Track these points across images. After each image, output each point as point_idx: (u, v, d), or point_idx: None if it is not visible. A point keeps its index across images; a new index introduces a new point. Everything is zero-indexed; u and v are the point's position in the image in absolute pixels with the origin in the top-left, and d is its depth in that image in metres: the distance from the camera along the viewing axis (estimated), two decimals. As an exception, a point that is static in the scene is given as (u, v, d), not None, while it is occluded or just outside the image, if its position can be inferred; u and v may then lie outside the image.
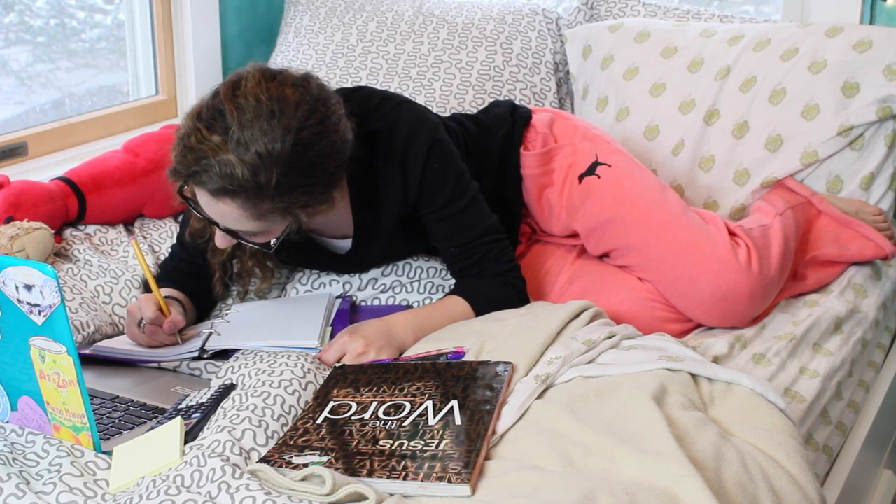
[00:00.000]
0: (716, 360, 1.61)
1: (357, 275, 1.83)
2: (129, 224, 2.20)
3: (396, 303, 1.81)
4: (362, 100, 1.72)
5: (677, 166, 2.19)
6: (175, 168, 1.52)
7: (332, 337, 1.65)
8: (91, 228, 2.10)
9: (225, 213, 1.53)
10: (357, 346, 1.57)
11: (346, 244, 1.79)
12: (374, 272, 1.83)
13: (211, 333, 1.68)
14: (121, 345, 1.69)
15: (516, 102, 2.07)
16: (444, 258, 1.79)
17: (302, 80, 1.55)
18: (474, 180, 1.78)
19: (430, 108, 2.44)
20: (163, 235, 2.12)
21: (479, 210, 1.75)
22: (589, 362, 1.45)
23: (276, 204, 1.51)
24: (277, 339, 1.63)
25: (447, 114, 2.26)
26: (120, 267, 1.93)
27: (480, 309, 1.69)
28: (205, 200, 1.53)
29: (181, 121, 1.56)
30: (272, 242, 1.61)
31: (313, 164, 1.52)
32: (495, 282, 1.73)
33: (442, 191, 1.70)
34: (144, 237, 2.12)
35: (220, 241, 1.60)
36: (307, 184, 1.53)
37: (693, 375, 1.42)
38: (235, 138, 1.46)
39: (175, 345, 1.67)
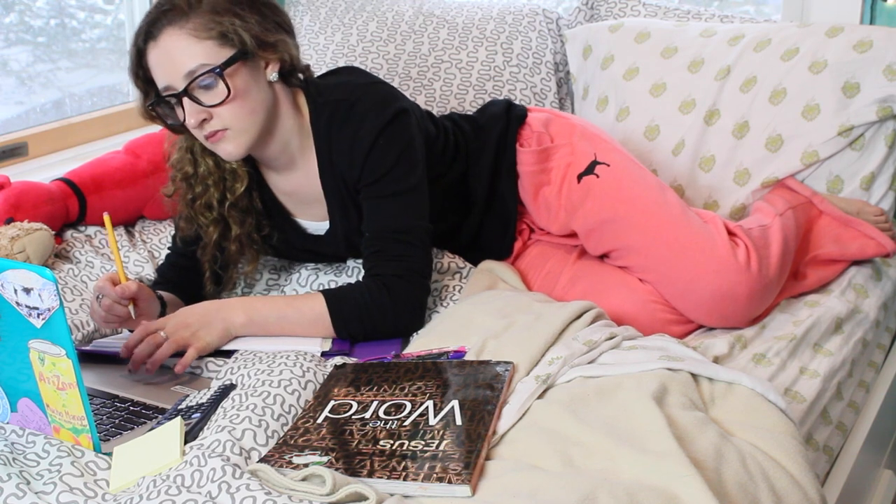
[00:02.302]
0: (716, 360, 1.61)
1: (356, 276, 1.83)
2: (129, 225, 2.20)
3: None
4: (337, 71, 1.81)
5: (678, 166, 2.19)
6: (131, 59, 1.65)
7: (334, 344, 1.65)
8: (91, 230, 2.11)
9: (173, 49, 1.60)
10: (166, 324, 1.60)
11: (325, 226, 1.82)
12: None
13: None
14: (120, 341, 1.69)
15: (514, 102, 2.07)
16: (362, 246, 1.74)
17: None
18: (473, 182, 1.79)
19: (430, 108, 2.46)
20: (163, 241, 2.12)
21: (410, 205, 1.71)
22: (590, 362, 1.45)
23: (209, 16, 1.60)
24: (280, 344, 1.63)
25: (447, 113, 2.27)
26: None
27: (338, 311, 1.65)
28: (157, 58, 1.61)
29: None
30: (227, 82, 1.60)
31: None
32: (371, 284, 1.67)
33: (381, 165, 1.69)
34: (144, 241, 2.12)
35: (190, 115, 1.62)
36: (235, 2, 1.63)
37: (694, 375, 1.42)
38: None
39: (128, 318, 1.64)
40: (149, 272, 1.96)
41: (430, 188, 1.78)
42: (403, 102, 1.74)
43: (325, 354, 1.62)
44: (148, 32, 1.62)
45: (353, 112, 1.70)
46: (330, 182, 1.75)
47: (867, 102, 2.05)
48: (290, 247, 1.87)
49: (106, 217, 1.62)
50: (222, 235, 1.77)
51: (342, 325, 1.65)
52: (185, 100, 1.61)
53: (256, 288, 1.89)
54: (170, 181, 1.79)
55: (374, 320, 1.65)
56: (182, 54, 1.60)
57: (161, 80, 1.63)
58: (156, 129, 2.46)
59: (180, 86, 1.61)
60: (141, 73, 1.66)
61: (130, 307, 1.64)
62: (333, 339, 1.67)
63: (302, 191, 1.79)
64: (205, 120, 1.63)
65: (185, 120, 1.63)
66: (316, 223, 1.83)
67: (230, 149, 1.66)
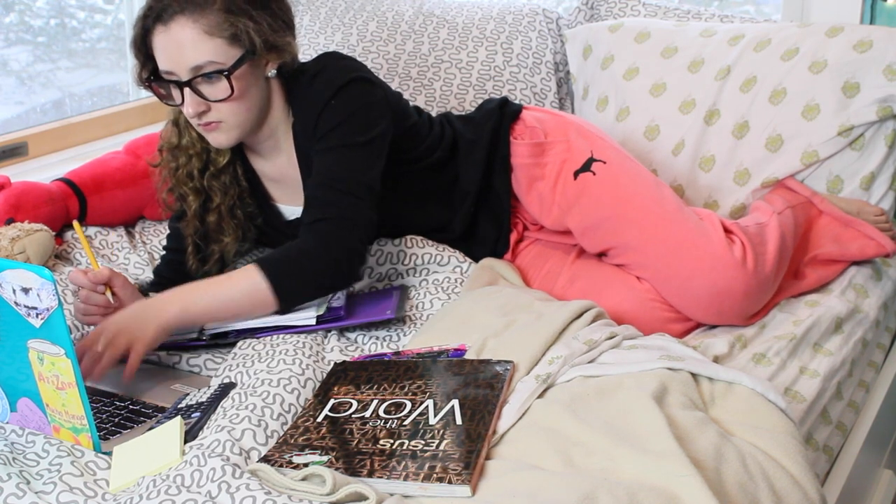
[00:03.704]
0: (716, 359, 1.61)
1: None
2: (129, 226, 2.20)
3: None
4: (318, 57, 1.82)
5: (678, 166, 2.19)
6: (133, 37, 1.66)
7: (329, 311, 1.66)
8: (92, 230, 2.10)
9: (181, 41, 1.61)
10: (104, 336, 1.51)
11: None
12: (370, 261, 1.84)
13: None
14: None
15: (511, 100, 2.08)
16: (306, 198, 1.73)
17: None
18: (465, 177, 1.82)
19: (430, 108, 2.46)
20: (163, 242, 2.11)
21: (356, 159, 1.70)
22: (590, 362, 1.45)
23: (224, 15, 1.61)
24: (276, 316, 1.64)
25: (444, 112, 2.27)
26: (120, 271, 1.92)
27: (268, 268, 1.60)
28: (162, 43, 1.62)
29: None
30: (233, 83, 1.62)
31: None
32: (300, 234, 1.67)
33: (330, 121, 1.71)
34: (144, 243, 2.11)
35: (189, 105, 1.65)
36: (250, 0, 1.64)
37: (694, 375, 1.42)
38: None
39: (108, 305, 1.63)
40: (149, 274, 1.96)
41: (407, 169, 1.82)
42: (367, 74, 1.78)
43: (319, 320, 1.63)
44: (158, 15, 1.62)
45: (316, 79, 1.74)
46: (304, 161, 1.78)
47: (867, 102, 2.05)
48: (272, 230, 1.89)
49: (75, 224, 1.66)
50: (203, 206, 1.81)
51: (276, 280, 1.60)
52: (187, 90, 1.64)
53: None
54: (156, 151, 1.83)
55: (304, 269, 1.62)
56: (192, 48, 1.62)
57: (164, 64, 1.65)
58: (156, 129, 2.47)
59: (184, 76, 1.63)
60: (143, 48, 1.67)
61: (108, 294, 1.63)
62: (328, 304, 1.68)
63: (285, 176, 1.82)
64: (203, 111, 1.66)
65: (181, 104, 1.66)
66: (296, 208, 1.85)
67: (221, 139, 1.71)
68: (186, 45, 1.62)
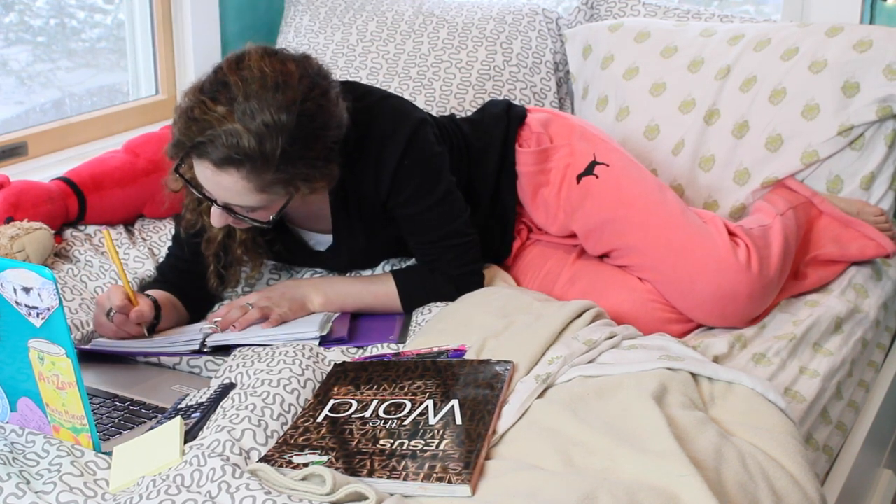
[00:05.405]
0: (716, 359, 1.61)
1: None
2: (129, 224, 2.20)
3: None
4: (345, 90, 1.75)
5: (677, 166, 2.19)
6: (178, 140, 1.52)
7: (332, 331, 1.66)
8: (91, 229, 2.10)
9: (227, 187, 1.53)
10: (251, 298, 1.72)
11: (328, 239, 1.82)
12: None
13: (210, 334, 1.68)
14: (120, 342, 1.69)
15: (513, 102, 2.07)
16: (410, 248, 1.82)
17: (302, 57, 1.59)
18: (469, 183, 1.79)
19: (429, 108, 2.46)
20: (162, 238, 2.11)
21: (446, 211, 1.76)
22: (590, 362, 1.45)
23: (279, 175, 1.53)
24: (278, 331, 1.64)
25: (447, 113, 2.26)
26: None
27: (407, 294, 1.76)
28: (206, 175, 1.53)
29: (181, 97, 1.57)
30: (271, 217, 1.61)
31: (316, 136, 1.54)
32: (438, 277, 1.77)
33: (409, 184, 1.71)
34: (144, 239, 2.11)
35: (216, 219, 1.61)
36: (310, 156, 1.55)
37: (693, 375, 1.42)
38: (241, 108, 1.48)
39: (141, 337, 1.68)
40: (149, 268, 1.96)
41: None
42: (415, 113, 1.75)
43: (322, 340, 1.63)
44: (212, 157, 1.49)
45: (371, 134, 1.69)
46: (341, 203, 1.75)
47: (867, 102, 2.05)
48: (291, 255, 1.87)
49: (106, 234, 1.64)
50: (228, 235, 1.76)
51: (411, 308, 1.76)
52: (219, 209, 1.58)
53: (256, 287, 1.88)
54: (176, 176, 1.69)
55: (429, 290, 1.77)
56: (237, 197, 1.55)
57: (203, 183, 1.56)
58: (155, 128, 2.47)
59: (221, 202, 1.57)
60: (183, 150, 1.53)
61: (143, 328, 1.68)
62: (332, 324, 1.69)
63: (310, 208, 1.78)
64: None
65: (208, 205, 1.60)
66: (319, 236, 1.83)
67: (241, 228, 1.70)
68: (232, 191, 1.53)
